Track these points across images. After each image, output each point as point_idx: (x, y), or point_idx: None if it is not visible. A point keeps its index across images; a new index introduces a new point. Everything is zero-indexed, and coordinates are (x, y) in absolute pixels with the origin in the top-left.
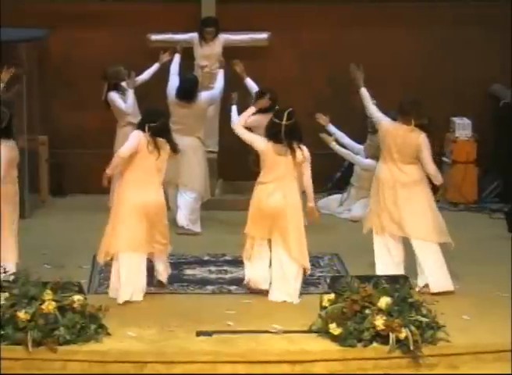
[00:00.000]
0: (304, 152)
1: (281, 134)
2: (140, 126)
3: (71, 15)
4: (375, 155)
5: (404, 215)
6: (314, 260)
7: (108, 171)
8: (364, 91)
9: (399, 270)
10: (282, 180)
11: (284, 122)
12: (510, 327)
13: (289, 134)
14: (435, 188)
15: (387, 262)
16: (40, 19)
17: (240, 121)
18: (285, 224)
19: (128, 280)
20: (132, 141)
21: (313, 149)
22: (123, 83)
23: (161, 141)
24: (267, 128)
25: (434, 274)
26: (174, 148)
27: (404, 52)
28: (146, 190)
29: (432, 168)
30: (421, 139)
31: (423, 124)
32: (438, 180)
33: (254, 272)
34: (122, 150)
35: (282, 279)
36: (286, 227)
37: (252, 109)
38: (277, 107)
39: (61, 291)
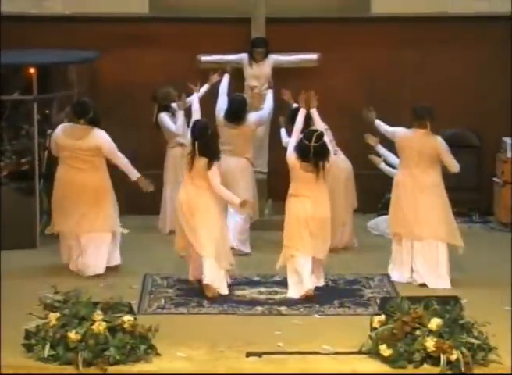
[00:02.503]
0: (325, 170)
1: (309, 155)
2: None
3: (122, 36)
4: None
5: (420, 217)
6: (364, 281)
7: None
8: (377, 122)
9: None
10: (309, 193)
11: (313, 143)
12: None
13: (317, 155)
14: None
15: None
16: (91, 41)
17: (292, 148)
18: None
19: None
20: None
21: (362, 170)
22: (173, 105)
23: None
24: (296, 147)
25: (433, 273)
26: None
27: (455, 72)
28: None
29: (456, 167)
30: (439, 142)
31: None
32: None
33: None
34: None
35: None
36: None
37: (299, 127)
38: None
39: (111, 312)
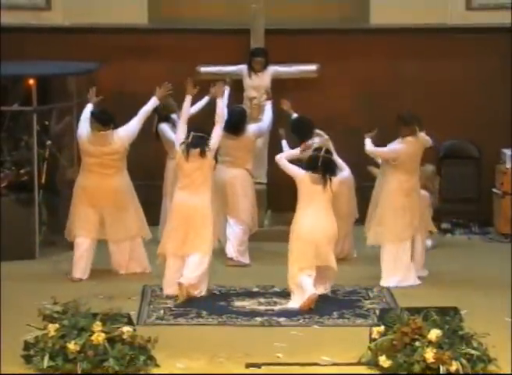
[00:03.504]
0: (332, 185)
1: (318, 164)
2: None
3: (121, 47)
4: (425, 186)
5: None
6: (364, 292)
7: None
8: (368, 148)
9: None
10: (317, 207)
11: (322, 153)
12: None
13: (325, 166)
14: None
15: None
16: (91, 52)
17: (283, 155)
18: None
19: None
20: None
21: (362, 181)
22: (174, 116)
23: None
24: (306, 160)
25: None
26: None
27: (455, 83)
28: None
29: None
30: (427, 140)
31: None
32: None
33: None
34: None
35: None
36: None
37: (297, 152)
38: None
39: (110, 323)
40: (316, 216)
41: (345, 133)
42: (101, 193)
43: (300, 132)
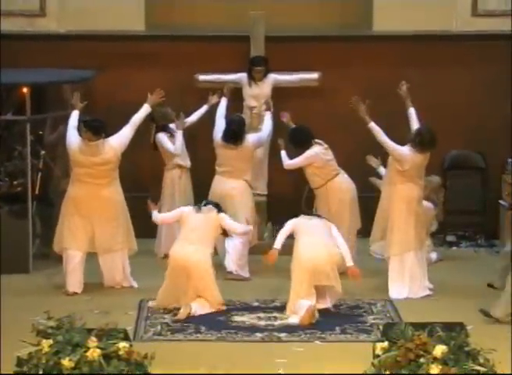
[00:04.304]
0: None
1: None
2: None
3: (118, 54)
4: (429, 197)
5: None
6: (367, 306)
7: None
8: (373, 126)
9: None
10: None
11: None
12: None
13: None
14: None
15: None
16: (86, 59)
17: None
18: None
19: None
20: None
21: (365, 192)
22: (171, 125)
23: None
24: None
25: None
26: None
27: (459, 92)
28: None
29: None
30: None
31: None
32: None
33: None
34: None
35: None
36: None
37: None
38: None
39: (106, 338)
40: (314, 242)
41: (347, 143)
42: (92, 204)
43: (297, 142)
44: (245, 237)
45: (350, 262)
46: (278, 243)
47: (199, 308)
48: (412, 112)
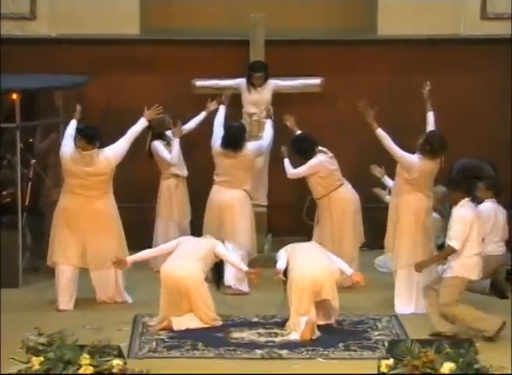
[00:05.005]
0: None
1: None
2: None
3: (111, 59)
4: (436, 208)
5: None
6: (371, 322)
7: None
8: (381, 132)
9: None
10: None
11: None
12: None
13: None
14: None
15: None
16: (78, 64)
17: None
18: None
19: None
20: None
21: (369, 202)
22: (168, 132)
23: None
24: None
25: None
26: None
27: (467, 97)
28: None
29: None
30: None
31: None
32: None
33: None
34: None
35: None
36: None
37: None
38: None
39: (99, 355)
40: (312, 257)
41: (350, 151)
42: (83, 217)
43: (301, 150)
44: (244, 250)
45: (349, 271)
46: (281, 263)
47: (190, 322)
48: (430, 116)
